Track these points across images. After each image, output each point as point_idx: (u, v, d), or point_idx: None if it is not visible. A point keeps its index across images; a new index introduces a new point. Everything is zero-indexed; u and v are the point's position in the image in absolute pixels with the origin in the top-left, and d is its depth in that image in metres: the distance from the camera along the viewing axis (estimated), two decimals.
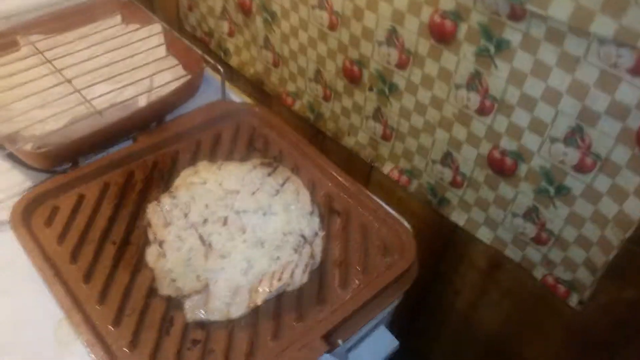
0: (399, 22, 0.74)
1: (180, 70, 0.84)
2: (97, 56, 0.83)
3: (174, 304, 0.60)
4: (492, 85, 0.68)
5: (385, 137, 0.89)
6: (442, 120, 0.77)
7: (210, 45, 1.22)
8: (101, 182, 0.71)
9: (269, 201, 0.66)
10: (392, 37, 0.76)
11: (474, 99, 0.71)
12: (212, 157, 0.76)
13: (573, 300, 0.73)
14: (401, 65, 0.78)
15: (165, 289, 0.59)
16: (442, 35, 0.70)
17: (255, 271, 0.60)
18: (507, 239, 0.78)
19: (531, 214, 0.73)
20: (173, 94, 0.78)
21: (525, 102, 0.65)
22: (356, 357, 0.72)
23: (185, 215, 0.65)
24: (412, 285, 0.63)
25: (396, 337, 0.77)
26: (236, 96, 0.88)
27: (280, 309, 0.59)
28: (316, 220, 0.67)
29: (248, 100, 0.88)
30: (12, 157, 0.76)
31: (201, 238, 0.62)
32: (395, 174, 0.91)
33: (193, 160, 0.75)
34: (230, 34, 1.14)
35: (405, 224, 0.68)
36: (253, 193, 0.67)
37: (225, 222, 0.64)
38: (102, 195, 0.70)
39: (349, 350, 0.73)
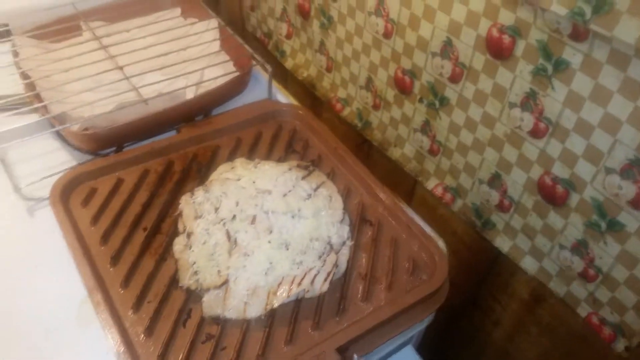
0: (455, 34, 0.73)
1: (230, 67, 0.86)
2: (152, 46, 0.87)
3: (193, 297, 0.61)
4: (548, 107, 0.65)
5: (432, 152, 0.88)
6: (493, 140, 0.75)
7: (268, 47, 1.25)
8: (141, 169, 0.74)
9: (300, 204, 0.66)
10: (447, 49, 0.75)
11: (528, 120, 0.69)
12: (251, 154, 0.77)
13: (619, 346, 0.69)
14: (454, 79, 0.77)
15: (186, 281, 0.61)
16: (499, 50, 0.68)
17: (276, 273, 0.60)
18: (552, 272, 0.75)
19: (580, 248, 0.69)
20: (220, 89, 0.80)
21: (582, 128, 0.62)
22: None
23: (216, 209, 0.66)
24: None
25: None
26: (283, 97, 0.89)
27: (297, 314, 0.59)
28: (346, 228, 0.66)
29: (294, 101, 0.89)
30: (61, 138, 0.80)
31: (228, 234, 0.63)
32: (439, 191, 0.89)
33: (232, 156, 0.77)
34: (288, 36, 1.16)
35: (440, 243, 0.67)
36: (285, 195, 0.67)
37: (253, 220, 0.64)
38: (140, 182, 0.73)
39: None
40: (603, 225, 0.65)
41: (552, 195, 0.70)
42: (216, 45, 0.91)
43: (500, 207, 0.79)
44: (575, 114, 0.62)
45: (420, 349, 0.78)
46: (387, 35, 0.85)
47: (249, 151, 0.78)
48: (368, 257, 0.65)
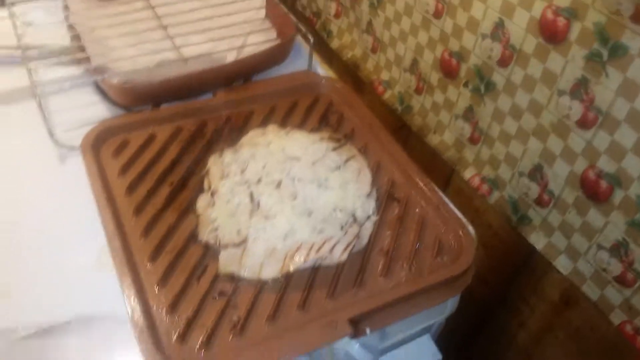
0: (508, 15, 0.71)
1: (272, 34, 0.86)
2: (199, 9, 0.88)
3: (210, 253, 0.61)
4: (599, 96, 0.62)
5: (473, 140, 0.85)
6: (538, 129, 0.73)
7: (316, 26, 1.24)
8: (174, 127, 0.75)
9: (327, 175, 0.66)
10: (498, 30, 0.73)
11: (577, 109, 0.66)
12: (284, 123, 0.77)
13: None
14: (503, 62, 0.74)
15: (205, 235, 0.61)
16: (552, 33, 0.66)
17: (295, 238, 0.59)
18: (587, 274, 0.72)
19: (619, 249, 0.66)
20: (260, 56, 0.80)
21: (634, 119, 0.59)
22: (394, 359, 0.70)
23: (242, 171, 0.66)
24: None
25: (443, 354, 0.74)
26: (322, 71, 0.89)
27: (313, 281, 0.59)
28: (372, 203, 0.65)
29: (333, 75, 0.88)
30: (100, 92, 0.82)
31: (251, 196, 0.63)
32: (476, 182, 0.87)
33: (264, 123, 0.77)
34: (337, 15, 1.15)
35: (470, 228, 0.65)
36: (313, 163, 0.67)
37: (278, 185, 0.64)
38: (172, 139, 0.74)
39: (386, 350, 0.71)
40: None
41: (594, 190, 0.67)
42: (261, 13, 0.91)
43: (539, 201, 0.76)
44: (629, 104, 0.59)
45: (439, 342, 0.76)
46: (437, 15, 0.84)
47: (282, 119, 0.78)
48: (392, 234, 0.64)
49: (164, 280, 0.58)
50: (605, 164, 0.64)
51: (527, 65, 0.71)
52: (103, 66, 0.77)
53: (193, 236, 0.62)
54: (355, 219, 0.63)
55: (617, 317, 0.69)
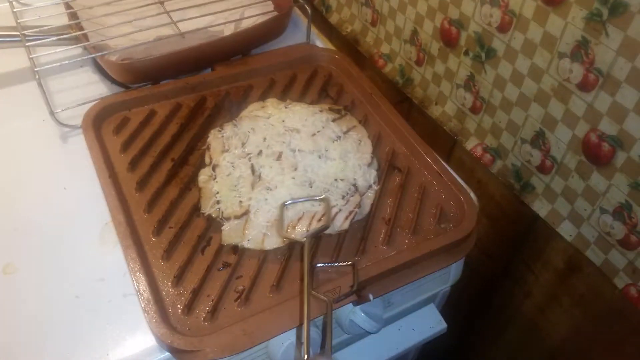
0: None
1: (270, 7, 0.86)
2: None
3: (213, 225, 0.62)
4: (599, 57, 0.62)
5: (474, 110, 0.85)
6: (539, 94, 0.72)
7: (314, 1, 1.23)
8: (174, 103, 0.75)
9: (328, 145, 0.66)
10: None
11: (577, 71, 0.65)
12: (283, 96, 0.77)
13: None
14: (502, 28, 0.74)
15: (208, 209, 0.62)
16: None
17: (297, 208, 0.60)
18: (591, 239, 0.72)
19: (622, 212, 0.66)
20: (257, 28, 0.80)
21: (635, 78, 0.59)
22: (398, 328, 0.71)
23: (243, 144, 0.67)
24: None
25: (449, 324, 0.75)
26: (321, 43, 0.88)
27: (316, 251, 0.59)
28: (373, 173, 0.65)
29: (331, 47, 0.88)
30: (100, 70, 0.82)
31: (252, 168, 0.64)
32: (478, 151, 0.87)
33: (264, 97, 0.77)
34: None
35: (472, 194, 0.65)
36: (313, 134, 0.67)
37: (279, 157, 0.65)
38: (172, 115, 0.74)
39: (391, 320, 0.71)
40: None
41: (596, 154, 0.67)
42: None
43: (542, 168, 0.76)
44: (629, 63, 0.59)
45: (444, 313, 0.77)
46: None
47: (282, 93, 0.78)
48: (394, 202, 0.64)
49: (168, 253, 0.59)
50: (607, 127, 0.64)
51: (526, 29, 0.70)
52: (101, 44, 0.77)
53: (196, 210, 0.63)
54: (356, 189, 0.63)
55: (621, 281, 0.69)
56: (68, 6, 0.84)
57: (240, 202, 0.61)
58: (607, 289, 0.71)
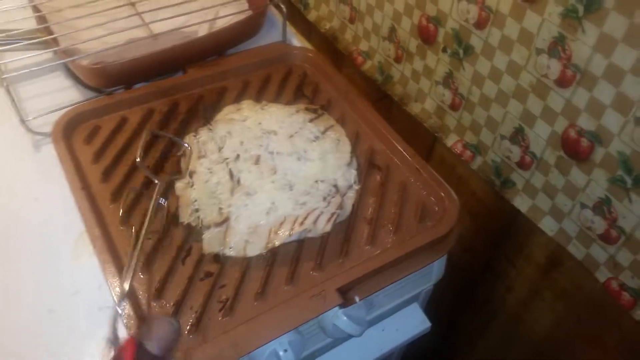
0: None
1: (244, 6, 0.85)
2: None
3: (193, 234, 0.61)
4: (576, 53, 0.62)
5: (454, 107, 0.85)
6: (517, 91, 0.72)
7: None
8: (145, 109, 0.74)
9: (306, 146, 0.65)
10: None
11: (555, 68, 0.66)
12: (258, 97, 0.77)
13: (638, 313, 0.67)
14: (480, 25, 0.74)
15: (186, 218, 0.61)
16: None
17: (278, 213, 0.59)
18: (572, 233, 0.73)
19: (602, 207, 0.67)
20: (232, 28, 0.79)
21: (612, 74, 0.59)
22: (382, 329, 0.71)
23: (220, 149, 0.66)
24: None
25: (433, 322, 0.75)
26: (298, 42, 0.88)
27: (300, 255, 0.59)
28: (353, 172, 0.65)
29: (308, 45, 0.87)
30: (72, 76, 0.80)
31: (231, 173, 0.63)
32: (458, 148, 0.87)
33: (239, 99, 0.76)
34: None
35: (452, 191, 0.65)
36: (291, 136, 0.66)
37: (257, 160, 0.64)
38: (144, 121, 0.73)
39: (374, 321, 0.71)
40: (629, 181, 0.62)
41: (575, 149, 0.67)
42: None
43: (521, 164, 0.77)
44: (606, 59, 0.59)
45: (428, 311, 0.77)
46: None
47: (257, 94, 0.77)
48: (375, 201, 0.64)
49: (147, 265, 0.58)
50: (585, 122, 0.65)
51: (503, 26, 0.70)
52: (72, 48, 0.75)
53: (174, 218, 0.62)
54: (337, 189, 0.63)
55: (602, 275, 0.70)
56: (36, 9, 0.82)
57: (220, 209, 0.60)
58: (588, 283, 0.72)
